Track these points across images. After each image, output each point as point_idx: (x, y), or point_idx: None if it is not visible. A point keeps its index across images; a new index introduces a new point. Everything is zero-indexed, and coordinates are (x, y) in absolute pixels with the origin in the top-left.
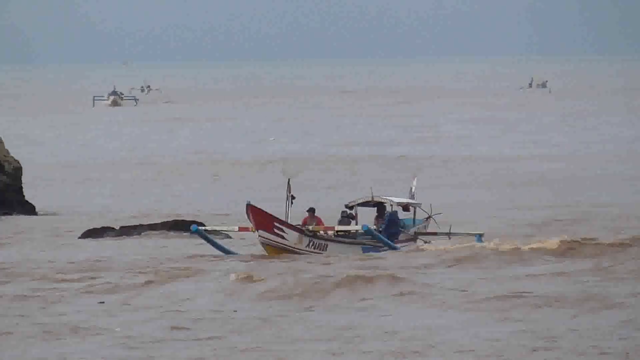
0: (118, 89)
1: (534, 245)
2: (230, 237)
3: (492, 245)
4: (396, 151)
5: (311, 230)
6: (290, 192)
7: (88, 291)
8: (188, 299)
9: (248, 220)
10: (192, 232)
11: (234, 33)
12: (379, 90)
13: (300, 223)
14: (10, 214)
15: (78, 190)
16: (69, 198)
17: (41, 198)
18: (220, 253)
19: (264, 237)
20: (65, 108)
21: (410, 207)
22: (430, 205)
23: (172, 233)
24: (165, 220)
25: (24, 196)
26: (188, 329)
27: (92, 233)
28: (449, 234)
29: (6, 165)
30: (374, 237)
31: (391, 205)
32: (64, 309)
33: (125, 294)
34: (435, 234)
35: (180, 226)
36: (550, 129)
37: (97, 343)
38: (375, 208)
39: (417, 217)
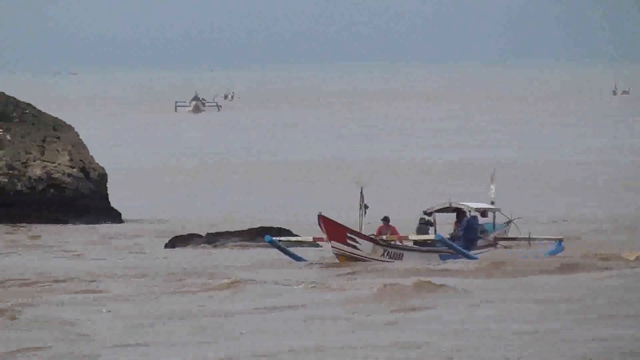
0: (200, 95)
1: None
2: (317, 246)
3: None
4: (472, 156)
5: (385, 240)
6: (363, 202)
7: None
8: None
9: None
10: (266, 242)
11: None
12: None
13: (375, 232)
14: (98, 222)
15: (162, 197)
16: (153, 204)
17: (126, 204)
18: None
19: (337, 248)
20: (149, 114)
21: (489, 212)
22: (511, 209)
23: (258, 239)
24: (251, 227)
25: (109, 203)
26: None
27: (178, 241)
28: (528, 239)
29: (91, 172)
30: (447, 245)
31: (469, 211)
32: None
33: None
34: (515, 239)
35: (272, 232)
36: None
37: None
38: (455, 213)
39: (497, 222)
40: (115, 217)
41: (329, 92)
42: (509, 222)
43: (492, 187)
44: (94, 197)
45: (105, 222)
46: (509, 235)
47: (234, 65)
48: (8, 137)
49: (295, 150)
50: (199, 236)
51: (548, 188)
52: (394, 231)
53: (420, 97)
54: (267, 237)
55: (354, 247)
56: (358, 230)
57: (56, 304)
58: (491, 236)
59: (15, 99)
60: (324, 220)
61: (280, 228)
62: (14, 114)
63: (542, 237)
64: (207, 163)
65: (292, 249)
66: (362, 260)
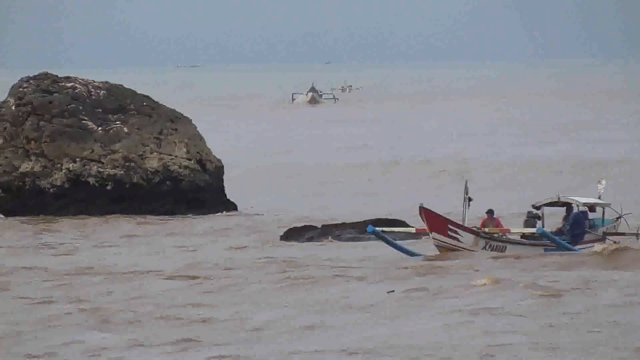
0: (318, 87)
1: None
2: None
3: None
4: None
5: (487, 233)
6: (467, 194)
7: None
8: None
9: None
10: (368, 233)
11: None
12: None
13: (479, 225)
14: (214, 213)
15: (278, 190)
16: (268, 198)
17: (241, 197)
18: (402, 254)
19: (438, 240)
20: (267, 109)
21: (598, 207)
22: (621, 205)
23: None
24: (367, 219)
25: (225, 195)
26: None
27: (294, 232)
28: (637, 235)
29: (208, 164)
30: (550, 239)
31: (577, 205)
32: None
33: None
34: (623, 234)
35: (383, 224)
36: None
37: None
38: (565, 208)
39: (607, 217)
40: (231, 209)
41: (433, 90)
42: (619, 217)
43: (602, 182)
44: (210, 189)
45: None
46: (619, 231)
47: (351, 61)
48: (125, 129)
49: (405, 146)
50: (314, 227)
51: None
52: (498, 224)
53: (487, 95)
54: (370, 228)
55: (456, 239)
56: (461, 222)
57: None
58: (600, 231)
59: (133, 91)
60: (425, 212)
61: (395, 219)
62: (132, 106)
63: None
64: (323, 159)
65: (399, 243)
66: (462, 251)
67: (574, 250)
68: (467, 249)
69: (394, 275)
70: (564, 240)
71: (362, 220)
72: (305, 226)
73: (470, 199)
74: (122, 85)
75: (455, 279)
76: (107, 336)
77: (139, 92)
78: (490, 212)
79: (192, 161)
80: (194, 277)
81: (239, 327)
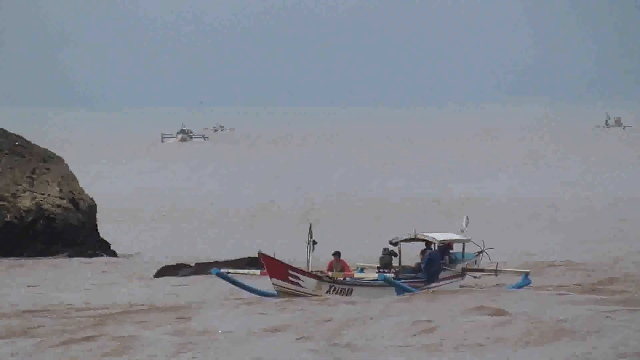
0: (187, 128)
1: None
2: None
3: None
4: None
5: (330, 277)
6: (311, 237)
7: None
8: None
9: None
10: (214, 274)
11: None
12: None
13: (327, 267)
14: (92, 255)
15: (147, 232)
16: (138, 239)
17: (113, 237)
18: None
19: (278, 285)
20: (137, 149)
21: (459, 243)
22: (483, 241)
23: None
24: (241, 257)
25: (98, 233)
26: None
27: (167, 270)
28: (496, 271)
29: (81, 202)
30: (390, 284)
31: (434, 242)
32: None
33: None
34: (482, 270)
35: (255, 263)
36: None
37: None
38: (425, 242)
39: (468, 252)
40: (105, 248)
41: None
42: (481, 252)
43: (465, 218)
44: (83, 228)
45: (98, 255)
46: (480, 266)
47: (224, 102)
48: None
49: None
50: (188, 266)
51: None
52: (344, 266)
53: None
54: (214, 270)
55: (297, 284)
56: (306, 266)
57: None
58: (459, 267)
59: (4, 130)
60: (264, 259)
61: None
62: (4, 145)
63: (509, 269)
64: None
65: (247, 283)
66: (306, 296)
67: (416, 291)
68: (310, 294)
69: None
70: (419, 278)
71: (238, 258)
72: (178, 264)
73: (314, 242)
74: None
75: None
76: None
77: (11, 131)
78: (336, 253)
79: (65, 200)
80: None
81: None
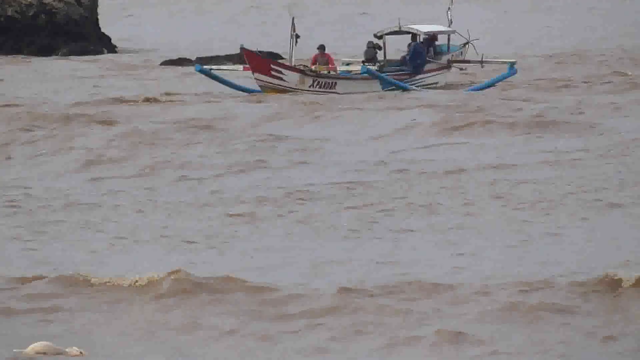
0: None
1: None
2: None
3: None
4: None
5: (314, 71)
6: (294, 31)
7: None
8: None
9: None
10: (196, 71)
11: None
12: None
13: (311, 61)
14: (91, 52)
15: (152, 26)
16: (140, 33)
17: (115, 32)
18: (233, 90)
19: (261, 80)
20: None
21: (442, 35)
22: (468, 30)
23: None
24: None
25: (100, 28)
26: None
27: (170, 64)
28: (481, 62)
29: None
30: (374, 76)
31: (419, 34)
32: None
33: None
34: (468, 62)
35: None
36: None
37: None
38: (410, 35)
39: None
40: (106, 42)
41: None
42: (467, 43)
43: (451, 7)
44: (85, 22)
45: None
46: (466, 57)
47: None
48: None
49: None
50: (189, 60)
51: None
52: (329, 60)
53: None
54: (197, 67)
55: (280, 78)
56: (287, 61)
57: None
58: (445, 59)
59: None
60: (247, 54)
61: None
62: None
63: (494, 59)
64: None
65: (228, 79)
66: (290, 92)
67: (403, 85)
68: (293, 89)
69: None
70: (404, 71)
71: (235, 53)
72: (180, 58)
73: (297, 36)
74: None
75: None
76: None
77: None
78: (321, 47)
79: None
80: None
81: None
